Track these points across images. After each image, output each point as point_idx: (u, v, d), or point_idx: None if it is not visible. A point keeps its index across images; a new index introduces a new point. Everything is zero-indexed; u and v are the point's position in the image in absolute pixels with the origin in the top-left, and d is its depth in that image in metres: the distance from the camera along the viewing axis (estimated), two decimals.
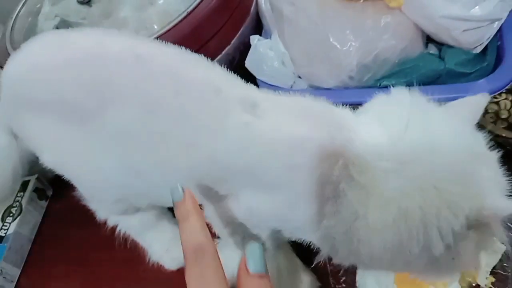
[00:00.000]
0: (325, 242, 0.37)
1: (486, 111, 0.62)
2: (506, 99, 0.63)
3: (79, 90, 0.38)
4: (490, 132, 0.59)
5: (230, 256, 0.41)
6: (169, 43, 0.41)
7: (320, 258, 0.39)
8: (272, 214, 0.38)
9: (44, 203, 0.69)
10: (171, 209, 0.58)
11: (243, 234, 0.41)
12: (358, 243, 0.35)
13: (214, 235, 0.47)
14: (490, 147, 0.36)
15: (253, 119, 0.36)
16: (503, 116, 0.61)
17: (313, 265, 0.40)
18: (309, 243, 0.40)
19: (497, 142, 0.59)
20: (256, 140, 0.36)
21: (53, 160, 0.44)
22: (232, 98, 0.37)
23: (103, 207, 0.52)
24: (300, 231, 0.39)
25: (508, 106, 0.62)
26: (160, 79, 0.37)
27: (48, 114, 0.40)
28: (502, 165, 0.38)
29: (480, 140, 0.36)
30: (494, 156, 0.36)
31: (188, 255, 0.31)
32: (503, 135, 0.59)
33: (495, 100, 0.63)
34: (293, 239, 0.42)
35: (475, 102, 0.38)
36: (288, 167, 0.35)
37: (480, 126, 0.61)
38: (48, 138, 0.42)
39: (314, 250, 0.40)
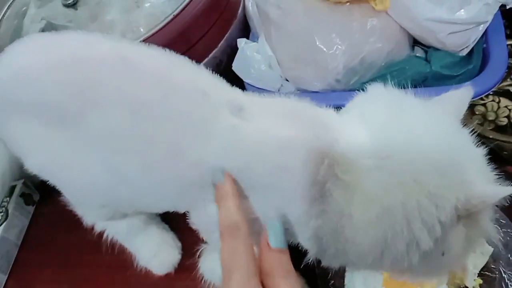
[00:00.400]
0: (313, 242, 0.37)
1: (473, 113, 0.63)
2: (493, 101, 0.63)
3: (62, 92, 0.38)
4: (477, 133, 0.60)
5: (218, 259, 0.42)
6: (155, 46, 0.41)
7: (308, 260, 0.39)
8: (261, 216, 0.37)
9: (31, 208, 0.69)
10: (159, 214, 0.58)
11: None
12: (345, 242, 0.35)
13: (202, 240, 0.47)
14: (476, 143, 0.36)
15: (240, 122, 0.36)
16: (490, 118, 0.62)
17: (302, 266, 0.39)
18: (297, 245, 0.40)
19: (484, 143, 0.60)
20: (244, 143, 0.36)
21: (37, 165, 0.43)
22: (219, 101, 0.37)
23: (90, 213, 0.52)
24: (288, 233, 0.39)
25: (495, 108, 0.62)
26: (146, 81, 0.37)
27: (33, 118, 0.40)
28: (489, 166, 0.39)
29: (464, 132, 0.36)
30: (479, 149, 0.36)
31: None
32: (490, 136, 0.60)
33: (482, 102, 0.63)
34: None
35: (459, 96, 0.38)
36: (276, 169, 0.35)
37: (466, 126, 0.62)
38: (33, 143, 0.41)
39: (303, 252, 0.40)
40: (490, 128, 0.61)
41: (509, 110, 0.62)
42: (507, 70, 0.65)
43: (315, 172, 0.34)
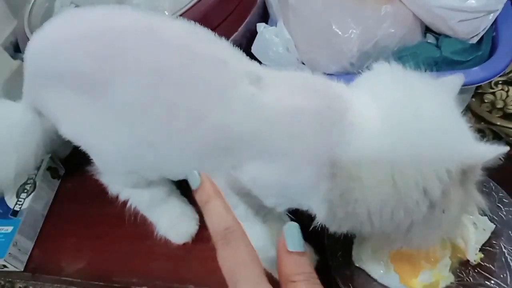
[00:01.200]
0: (323, 206, 0.40)
1: (482, 101, 0.65)
2: (502, 89, 0.65)
3: (92, 61, 0.41)
4: (485, 120, 0.63)
5: None
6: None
7: (316, 224, 0.42)
8: (274, 181, 0.40)
9: (56, 182, 0.72)
10: (180, 186, 0.61)
11: (246, 205, 0.44)
12: (354, 203, 0.38)
13: None
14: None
15: (258, 91, 0.39)
16: (499, 106, 0.64)
17: (310, 228, 0.42)
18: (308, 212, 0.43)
19: (491, 130, 0.62)
20: (261, 110, 0.39)
21: (70, 131, 0.47)
22: (239, 71, 0.40)
23: (115, 180, 0.55)
24: (300, 197, 0.42)
25: (504, 97, 0.65)
26: (170, 49, 0.40)
27: (65, 87, 0.43)
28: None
29: (455, 107, 0.39)
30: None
31: (217, 238, 0.32)
32: (498, 123, 0.62)
33: (492, 90, 0.66)
34: (292, 207, 0.45)
35: (451, 82, 0.41)
36: (289, 135, 0.38)
37: (476, 114, 0.64)
38: (66, 110, 0.45)
39: (311, 229, 0.43)
40: (498, 115, 0.63)
41: None
42: None
43: (326, 138, 0.37)
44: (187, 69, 0.39)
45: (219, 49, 0.42)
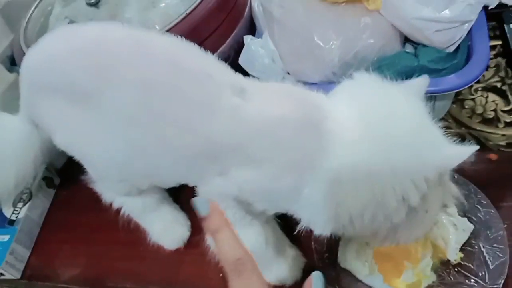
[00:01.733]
0: (306, 210, 0.42)
1: (463, 107, 0.67)
2: (481, 96, 0.68)
3: (84, 74, 0.43)
4: (465, 125, 0.65)
5: None
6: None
7: (301, 227, 0.44)
8: (259, 187, 0.43)
9: (52, 191, 0.74)
10: (172, 193, 0.63)
11: (234, 210, 0.46)
12: (337, 207, 0.40)
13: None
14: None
15: (242, 102, 0.41)
16: (478, 112, 0.66)
17: (295, 232, 0.44)
18: (293, 217, 0.45)
19: (471, 134, 0.64)
20: (244, 121, 0.41)
21: (63, 140, 0.49)
22: (223, 83, 0.42)
23: (108, 188, 0.57)
24: (284, 202, 0.44)
25: (484, 102, 0.67)
26: (158, 62, 0.42)
27: (59, 99, 0.45)
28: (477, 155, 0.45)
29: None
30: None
31: (229, 268, 0.32)
32: (477, 128, 0.65)
33: (472, 97, 0.68)
34: (278, 211, 0.47)
35: (417, 84, 0.44)
36: (271, 143, 0.40)
37: (456, 120, 0.66)
38: (60, 121, 0.47)
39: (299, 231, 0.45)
40: (478, 120, 0.65)
41: (496, 104, 0.66)
42: (495, 68, 0.70)
43: (306, 145, 0.40)
44: (174, 82, 0.42)
45: (204, 62, 0.44)
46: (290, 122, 0.40)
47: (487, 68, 0.55)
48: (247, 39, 0.62)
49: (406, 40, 0.61)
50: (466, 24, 0.57)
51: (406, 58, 0.56)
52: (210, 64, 0.44)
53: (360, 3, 0.57)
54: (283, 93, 0.44)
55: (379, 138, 0.39)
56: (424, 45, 0.58)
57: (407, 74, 0.55)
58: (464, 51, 0.57)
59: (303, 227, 0.44)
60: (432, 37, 0.56)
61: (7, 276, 0.65)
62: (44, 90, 0.47)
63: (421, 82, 0.44)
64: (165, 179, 0.49)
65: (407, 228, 0.43)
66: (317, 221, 0.43)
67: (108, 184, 0.55)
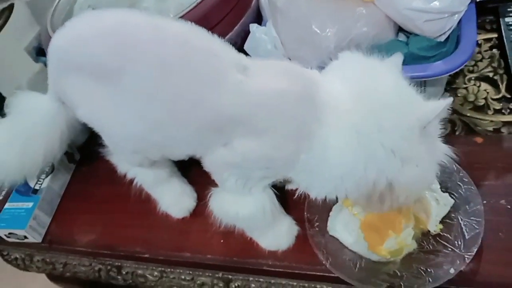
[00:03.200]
0: (303, 175, 0.48)
1: (456, 95, 0.71)
2: (474, 85, 0.72)
3: (107, 52, 0.48)
4: (457, 112, 0.69)
5: (226, 198, 0.55)
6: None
7: (300, 192, 0.50)
8: (261, 155, 0.48)
9: (72, 165, 0.81)
10: (181, 168, 0.69)
11: (235, 178, 0.52)
12: (330, 169, 0.46)
13: (213, 185, 0.58)
14: None
15: (245, 78, 0.47)
16: (470, 99, 0.70)
17: (295, 196, 0.51)
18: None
19: (462, 120, 0.68)
20: (248, 94, 0.46)
21: (85, 114, 0.54)
22: (228, 61, 0.48)
23: (123, 159, 0.62)
24: (283, 169, 0.49)
25: (476, 91, 0.71)
26: (172, 43, 0.48)
27: (83, 75, 0.51)
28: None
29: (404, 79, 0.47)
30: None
31: None
32: (468, 115, 0.68)
33: (465, 86, 0.72)
34: (277, 178, 0.52)
35: (394, 61, 0.49)
36: (273, 114, 0.46)
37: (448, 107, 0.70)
38: (83, 96, 0.52)
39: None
40: (469, 107, 0.69)
41: (487, 93, 0.70)
42: (489, 59, 0.74)
43: (304, 116, 0.45)
44: (186, 60, 0.47)
45: (212, 44, 0.49)
46: (290, 95, 0.46)
47: (472, 55, 0.59)
48: (253, 27, 0.67)
49: (400, 30, 0.65)
50: (456, 15, 0.60)
51: (397, 45, 0.61)
52: (216, 45, 0.49)
53: None
54: (282, 70, 0.49)
55: (366, 103, 0.45)
56: (416, 34, 0.62)
57: None
58: (453, 40, 0.61)
59: (301, 191, 0.50)
60: (423, 27, 0.60)
61: (30, 239, 0.71)
62: (70, 68, 0.52)
63: (397, 58, 0.49)
64: (176, 151, 0.54)
65: (403, 185, 0.47)
66: (313, 184, 0.49)
67: (123, 156, 0.61)
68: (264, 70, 0.49)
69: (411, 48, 0.60)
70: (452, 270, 0.50)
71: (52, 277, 0.96)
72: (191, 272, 0.68)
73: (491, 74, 0.72)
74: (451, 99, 0.44)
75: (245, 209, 0.54)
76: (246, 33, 0.70)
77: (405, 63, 0.59)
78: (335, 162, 0.46)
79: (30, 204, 0.72)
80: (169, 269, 0.69)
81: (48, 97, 0.59)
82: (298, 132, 0.47)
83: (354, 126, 0.45)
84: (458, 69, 0.58)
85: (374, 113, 0.44)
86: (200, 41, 0.50)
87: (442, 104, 0.44)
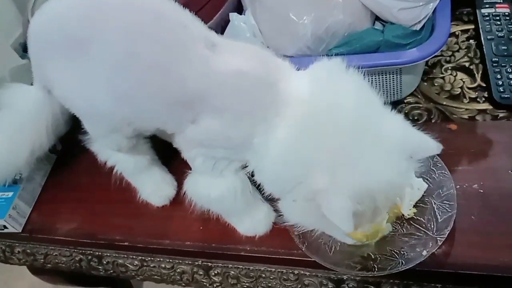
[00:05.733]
0: (255, 157, 0.49)
1: (433, 84, 0.73)
2: (451, 74, 0.73)
3: (77, 24, 0.49)
4: (433, 101, 0.70)
5: (199, 180, 0.56)
6: None
7: (249, 170, 0.51)
8: (219, 132, 0.49)
9: (54, 156, 0.81)
10: (161, 156, 0.69)
11: (203, 157, 0.52)
12: (270, 161, 0.47)
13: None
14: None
15: (211, 54, 0.47)
16: (446, 89, 0.71)
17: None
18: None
19: (438, 109, 0.70)
20: (211, 71, 0.47)
21: (62, 93, 0.55)
22: (198, 36, 0.48)
23: (102, 144, 0.62)
24: (240, 149, 0.50)
25: (452, 80, 0.72)
26: (142, 12, 0.48)
27: (58, 53, 0.51)
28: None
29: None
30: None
31: None
32: (444, 103, 0.70)
33: (441, 75, 0.73)
34: (239, 160, 0.53)
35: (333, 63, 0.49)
36: (232, 93, 0.47)
37: (425, 96, 0.72)
38: (58, 74, 0.53)
39: None
40: (445, 96, 0.70)
41: (463, 82, 0.71)
42: (466, 49, 0.76)
43: (262, 100, 0.46)
44: (155, 28, 0.47)
45: (183, 17, 0.50)
46: (249, 76, 0.47)
47: (445, 43, 0.60)
48: (232, 16, 0.68)
49: (376, 18, 0.66)
50: (431, 4, 0.62)
51: (373, 33, 0.62)
52: (187, 18, 0.50)
53: None
54: (249, 52, 0.50)
55: (321, 117, 0.45)
56: (392, 23, 0.64)
57: (373, 48, 0.62)
58: (428, 29, 0.62)
59: (251, 170, 0.51)
60: (398, 15, 0.61)
61: (10, 229, 0.71)
62: (46, 47, 0.53)
63: (428, 146, 0.48)
64: (147, 124, 0.54)
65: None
66: (261, 171, 0.50)
67: (101, 140, 0.61)
68: (231, 49, 0.50)
69: (386, 35, 0.61)
70: (424, 252, 0.51)
71: (34, 269, 0.96)
72: (171, 260, 0.68)
73: (467, 64, 0.73)
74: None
75: (216, 190, 0.54)
76: (226, 23, 0.71)
77: (380, 50, 0.61)
78: (269, 153, 0.47)
79: (10, 194, 0.72)
80: (149, 258, 0.69)
81: (33, 87, 0.60)
82: (253, 114, 0.47)
83: (294, 132, 0.46)
84: (432, 56, 0.59)
85: (312, 133, 0.45)
86: (170, 12, 0.50)
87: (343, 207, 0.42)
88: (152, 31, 0.48)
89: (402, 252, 0.53)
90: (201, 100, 0.48)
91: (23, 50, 1.00)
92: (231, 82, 0.46)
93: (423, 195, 0.57)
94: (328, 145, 0.44)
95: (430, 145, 0.47)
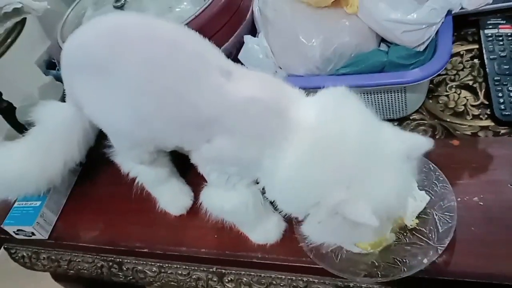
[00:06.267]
0: (265, 176, 0.53)
1: (437, 102, 0.76)
2: (455, 92, 0.77)
3: (103, 51, 0.54)
4: (438, 118, 0.74)
5: (213, 193, 0.60)
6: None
7: (260, 187, 0.56)
8: (230, 153, 0.53)
9: (78, 168, 0.86)
10: (179, 167, 0.73)
11: (217, 173, 0.57)
12: (286, 183, 0.50)
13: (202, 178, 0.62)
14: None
15: (226, 81, 0.51)
16: (450, 106, 0.75)
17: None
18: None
19: (442, 125, 0.73)
20: (225, 96, 0.51)
21: (89, 111, 0.60)
22: (214, 64, 0.53)
23: (125, 157, 0.67)
24: (250, 168, 0.54)
25: (456, 98, 0.76)
26: (161, 42, 0.53)
27: (86, 75, 0.56)
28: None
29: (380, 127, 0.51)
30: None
31: None
32: (448, 120, 0.73)
33: (446, 93, 0.77)
34: (249, 176, 0.56)
35: (417, 142, 0.51)
36: (242, 117, 0.51)
37: (430, 113, 0.75)
38: (86, 94, 0.58)
39: None
40: (449, 113, 0.74)
41: (467, 99, 0.75)
42: (470, 68, 0.79)
43: (270, 125, 0.50)
44: (172, 58, 0.52)
45: (200, 46, 0.55)
46: (260, 102, 0.51)
47: (447, 63, 0.63)
48: (246, 38, 0.73)
49: (382, 40, 0.70)
50: (434, 26, 0.65)
51: (378, 54, 0.65)
52: (204, 48, 0.55)
53: (340, 8, 0.66)
54: (262, 80, 0.54)
55: (325, 143, 0.49)
56: (396, 44, 0.67)
57: (378, 68, 0.66)
58: (431, 50, 0.66)
59: (261, 187, 0.55)
60: (402, 37, 0.65)
61: (37, 235, 0.76)
62: (76, 70, 0.58)
63: (420, 142, 0.50)
64: (165, 142, 0.59)
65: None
66: (267, 188, 0.54)
67: (124, 152, 0.66)
68: (246, 77, 0.54)
69: (391, 56, 0.65)
70: (425, 260, 0.54)
71: (57, 276, 1.01)
72: (187, 267, 0.72)
73: (471, 82, 0.76)
74: (373, 223, 0.45)
75: (229, 203, 0.58)
76: (241, 44, 0.76)
77: (385, 70, 0.65)
78: (280, 175, 0.50)
79: (38, 203, 0.77)
80: (166, 264, 0.73)
81: (66, 104, 0.65)
82: (262, 138, 0.51)
83: (302, 158, 0.49)
84: (434, 75, 0.63)
85: (318, 158, 0.48)
86: (188, 42, 0.55)
87: (364, 216, 0.45)
88: (168, 61, 0.52)
89: (404, 260, 0.56)
90: (213, 123, 0.52)
91: (47, 67, 1.06)
92: (241, 107, 0.51)
93: (425, 207, 0.60)
94: (338, 165, 0.48)
95: (422, 142, 0.50)
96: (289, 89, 0.54)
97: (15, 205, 0.78)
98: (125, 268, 0.78)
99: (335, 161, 0.48)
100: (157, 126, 0.55)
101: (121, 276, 0.80)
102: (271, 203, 0.62)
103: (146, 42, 0.53)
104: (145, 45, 0.53)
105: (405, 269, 0.54)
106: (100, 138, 0.68)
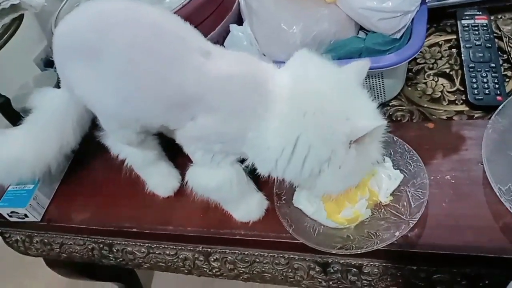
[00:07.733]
0: (251, 151, 0.56)
1: (416, 89, 0.79)
2: (433, 80, 0.80)
3: (92, 35, 0.57)
4: (415, 103, 0.77)
5: (198, 171, 0.62)
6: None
7: (246, 164, 0.58)
8: (214, 129, 0.56)
9: (71, 153, 0.88)
10: (167, 151, 0.76)
11: (202, 151, 0.59)
12: (266, 151, 0.54)
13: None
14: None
15: (205, 61, 0.55)
16: (428, 93, 0.78)
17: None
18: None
19: (419, 111, 0.76)
20: (205, 75, 0.54)
21: (80, 93, 0.62)
22: (194, 45, 0.56)
23: (114, 139, 0.70)
24: (235, 143, 0.57)
25: (434, 85, 0.79)
26: (144, 25, 0.56)
27: (77, 59, 0.59)
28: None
29: (358, 88, 0.54)
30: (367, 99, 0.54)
31: None
32: (425, 105, 0.76)
33: (424, 81, 0.80)
34: (234, 152, 0.59)
35: (360, 65, 0.55)
36: (223, 94, 0.54)
37: (408, 99, 0.78)
38: (77, 76, 0.61)
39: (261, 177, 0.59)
40: (426, 99, 0.77)
41: (444, 86, 0.78)
42: (448, 57, 0.82)
43: (251, 98, 0.53)
44: (156, 40, 0.55)
45: (181, 29, 0.58)
46: (238, 79, 0.54)
47: (420, 49, 0.67)
48: (232, 26, 0.76)
49: (361, 29, 0.73)
50: (409, 14, 0.69)
51: (356, 41, 0.69)
52: (185, 30, 0.58)
53: None
54: (239, 58, 0.57)
55: (302, 102, 0.52)
56: (374, 32, 0.71)
57: (356, 54, 0.69)
58: (406, 37, 0.69)
59: (250, 163, 0.58)
60: (378, 24, 0.68)
61: (30, 217, 0.79)
62: (66, 52, 0.61)
63: (363, 65, 0.55)
64: (151, 122, 0.62)
65: (325, 182, 0.55)
66: (258, 161, 0.56)
67: (113, 134, 0.69)
68: (224, 57, 0.57)
69: (368, 43, 0.68)
70: (397, 233, 0.57)
71: (50, 262, 1.03)
72: (174, 247, 0.75)
73: (448, 70, 0.79)
74: (384, 122, 0.51)
75: (214, 180, 0.61)
76: (227, 33, 0.79)
77: (362, 56, 0.68)
78: (269, 145, 0.54)
79: (31, 187, 0.80)
80: (155, 245, 0.76)
81: (60, 90, 0.68)
82: (243, 112, 0.54)
83: (286, 118, 0.52)
84: (408, 60, 0.66)
85: (304, 112, 0.51)
86: (170, 25, 0.58)
87: (372, 125, 0.50)
88: (151, 43, 0.55)
89: (377, 234, 0.59)
90: (196, 101, 0.55)
91: (45, 65, 1.09)
92: (221, 84, 0.54)
93: (399, 185, 0.63)
94: (329, 107, 0.52)
95: (363, 64, 0.55)
96: (264, 64, 0.58)
97: (9, 188, 0.81)
98: (115, 250, 0.80)
99: (323, 106, 0.51)
100: (141, 106, 0.58)
101: (111, 258, 0.83)
102: (255, 181, 0.66)
103: (131, 25, 0.56)
104: (130, 29, 0.56)
105: (378, 242, 0.57)
106: (94, 125, 0.71)
